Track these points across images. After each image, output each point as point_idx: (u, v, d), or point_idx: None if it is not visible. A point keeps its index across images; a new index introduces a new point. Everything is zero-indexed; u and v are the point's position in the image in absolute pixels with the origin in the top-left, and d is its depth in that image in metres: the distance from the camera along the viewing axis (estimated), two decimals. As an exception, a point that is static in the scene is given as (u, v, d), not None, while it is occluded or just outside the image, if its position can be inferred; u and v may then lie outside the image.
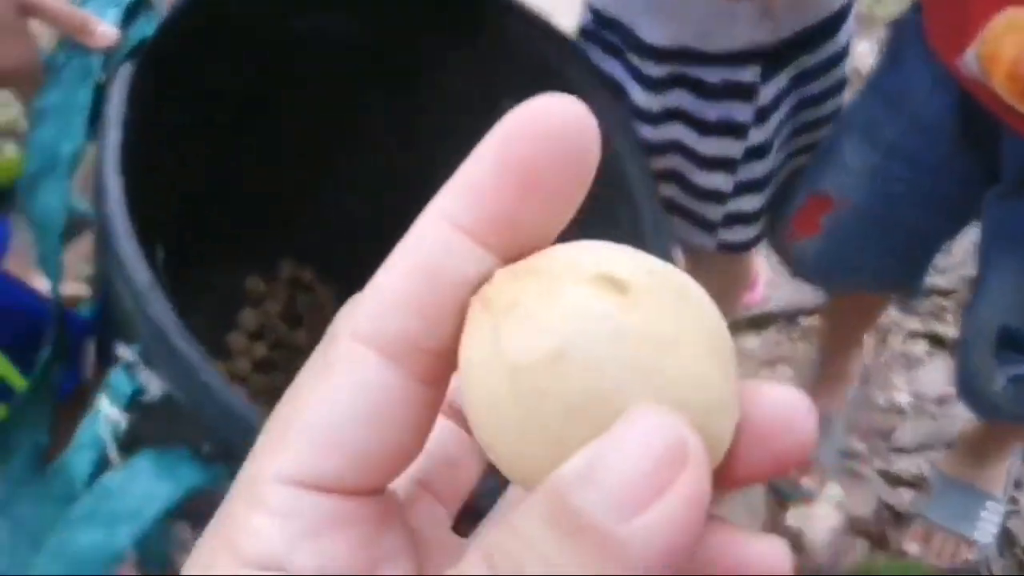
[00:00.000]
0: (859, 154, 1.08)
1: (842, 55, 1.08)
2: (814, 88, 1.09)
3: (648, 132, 1.09)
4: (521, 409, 0.18)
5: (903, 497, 1.40)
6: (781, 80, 1.04)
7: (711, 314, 0.20)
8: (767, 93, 1.03)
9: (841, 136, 1.10)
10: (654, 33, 1.03)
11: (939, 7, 0.94)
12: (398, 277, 0.20)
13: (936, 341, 1.54)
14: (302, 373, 0.21)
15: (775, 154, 1.10)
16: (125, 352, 0.71)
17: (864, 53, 1.95)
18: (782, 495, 1.41)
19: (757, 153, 1.08)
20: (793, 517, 1.39)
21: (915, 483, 1.41)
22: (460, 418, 0.24)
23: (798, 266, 1.26)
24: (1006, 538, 1.36)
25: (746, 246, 1.19)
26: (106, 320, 0.78)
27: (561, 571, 0.16)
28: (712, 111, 1.05)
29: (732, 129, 1.06)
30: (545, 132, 0.19)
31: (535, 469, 0.18)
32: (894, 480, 1.42)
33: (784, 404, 0.20)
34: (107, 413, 0.70)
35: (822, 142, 1.13)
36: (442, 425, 0.24)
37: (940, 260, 1.58)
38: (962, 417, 1.45)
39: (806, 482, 1.40)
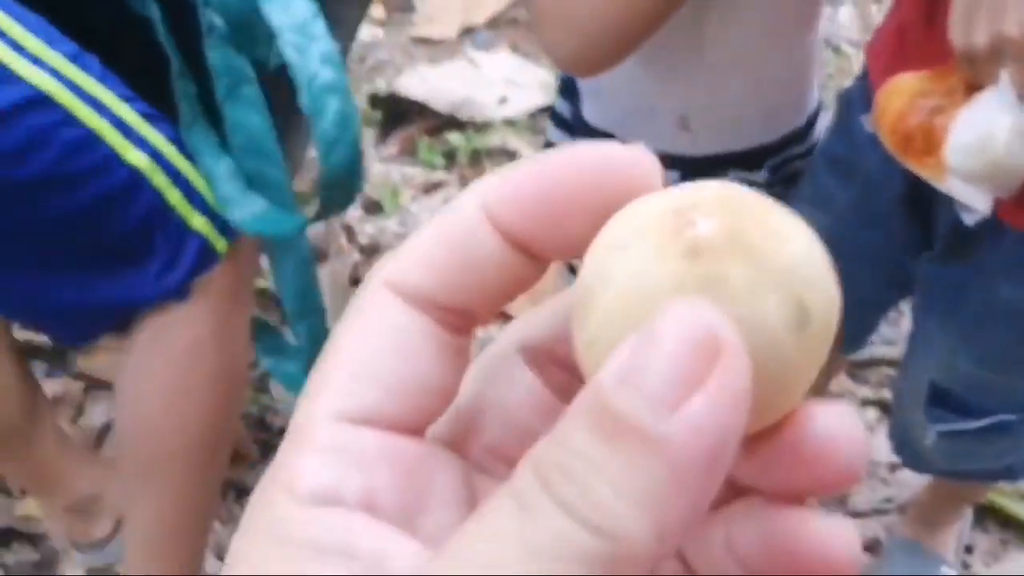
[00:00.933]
0: (809, 221, 1.12)
1: (761, 185, 1.11)
2: None
3: None
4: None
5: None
6: None
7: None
8: None
9: (791, 202, 1.15)
10: (590, 110, 1.07)
11: (872, 80, 1.00)
12: (427, 239, 0.22)
13: (886, 409, 1.58)
14: (338, 325, 0.22)
15: None
16: None
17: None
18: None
19: None
20: (752, 579, 1.40)
21: (870, 547, 1.44)
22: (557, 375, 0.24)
23: None
24: (958, 601, 1.39)
25: None
26: None
27: (609, 474, 0.16)
28: None
29: None
30: (589, 177, 0.21)
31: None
32: (849, 543, 1.45)
33: (834, 429, 0.20)
34: None
35: None
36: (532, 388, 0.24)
37: (889, 332, 1.64)
38: (913, 482, 1.49)
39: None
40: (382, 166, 1.94)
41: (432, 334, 0.21)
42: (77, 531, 1.37)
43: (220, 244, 0.95)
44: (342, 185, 0.93)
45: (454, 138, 1.97)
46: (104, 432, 1.53)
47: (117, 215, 0.91)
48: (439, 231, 0.22)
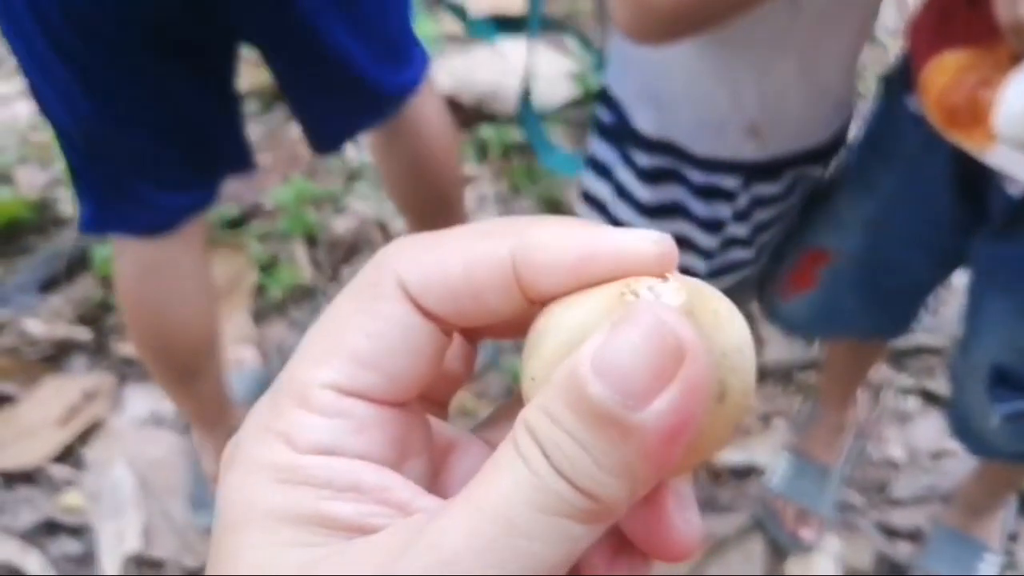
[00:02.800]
0: (855, 207, 1.11)
1: (817, 178, 1.11)
2: (797, 195, 1.12)
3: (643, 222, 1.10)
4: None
5: (900, 549, 1.41)
6: (768, 188, 1.06)
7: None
8: (746, 198, 1.05)
9: (834, 192, 1.14)
10: (644, 119, 1.04)
11: (916, 61, 0.99)
12: (453, 265, 0.25)
13: (928, 397, 1.56)
14: (344, 297, 0.25)
15: (759, 240, 1.12)
16: None
17: (849, 125, 2.03)
18: (781, 546, 1.40)
19: (735, 243, 1.11)
20: (792, 568, 1.39)
21: (911, 535, 1.42)
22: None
23: (791, 324, 1.28)
24: (1004, 591, 1.36)
25: None
26: None
27: (594, 452, 0.21)
28: (699, 206, 1.07)
29: (712, 225, 1.08)
30: (615, 266, 0.24)
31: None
32: (890, 532, 1.43)
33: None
34: None
35: (811, 201, 1.16)
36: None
37: (929, 321, 1.62)
38: (955, 470, 1.47)
39: (805, 534, 1.40)
40: (415, 161, 1.95)
41: (433, 337, 0.25)
42: None
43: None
44: None
45: (485, 132, 1.98)
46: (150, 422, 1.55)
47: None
48: (467, 258, 0.25)
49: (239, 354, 1.58)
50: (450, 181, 1.40)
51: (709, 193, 1.05)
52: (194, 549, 1.42)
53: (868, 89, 2.08)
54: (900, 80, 1.03)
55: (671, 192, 1.07)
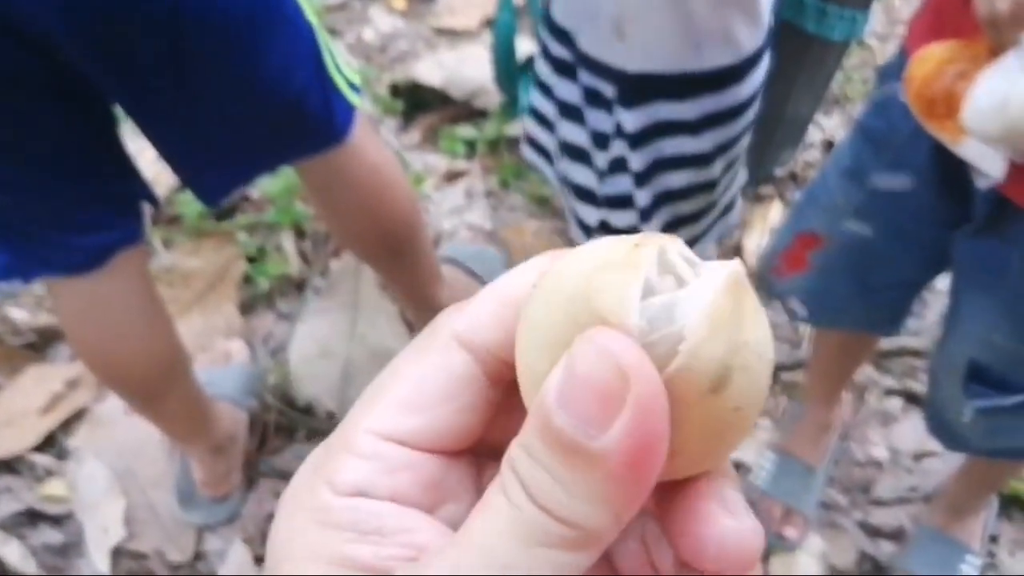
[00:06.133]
0: (845, 193, 1.12)
1: (694, 127, 1.10)
2: (668, 147, 1.12)
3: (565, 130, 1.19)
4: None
5: (882, 548, 1.42)
6: (642, 117, 1.09)
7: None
8: (627, 119, 1.08)
9: (827, 176, 1.15)
10: (556, 7, 1.12)
11: (908, 54, 1.00)
12: (496, 302, 0.27)
13: (911, 398, 1.58)
14: (402, 354, 0.27)
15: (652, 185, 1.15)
16: None
17: (835, 126, 2.04)
18: (765, 545, 1.41)
19: (622, 169, 1.14)
20: (775, 567, 1.39)
21: (894, 535, 1.43)
22: None
23: (783, 303, 1.29)
24: (984, 591, 1.38)
25: None
26: None
27: (565, 483, 0.22)
28: (589, 114, 1.12)
29: (599, 138, 1.12)
30: None
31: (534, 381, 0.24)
32: (873, 532, 1.44)
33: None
34: None
35: (810, 182, 1.17)
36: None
37: (913, 323, 1.63)
38: (938, 471, 1.49)
39: (789, 533, 1.41)
40: (405, 154, 1.94)
41: (478, 383, 0.26)
42: (215, 478, 1.41)
43: (354, 99, 1.13)
44: None
45: (474, 127, 1.97)
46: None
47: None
48: (505, 298, 0.27)
49: (226, 347, 1.58)
50: (398, 223, 1.30)
51: (592, 98, 1.11)
52: (178, 543, 1.41)
53: (855, 92, 2.10)
54: (894, 72, 1.04)
55: (572, 92, 1.14)
